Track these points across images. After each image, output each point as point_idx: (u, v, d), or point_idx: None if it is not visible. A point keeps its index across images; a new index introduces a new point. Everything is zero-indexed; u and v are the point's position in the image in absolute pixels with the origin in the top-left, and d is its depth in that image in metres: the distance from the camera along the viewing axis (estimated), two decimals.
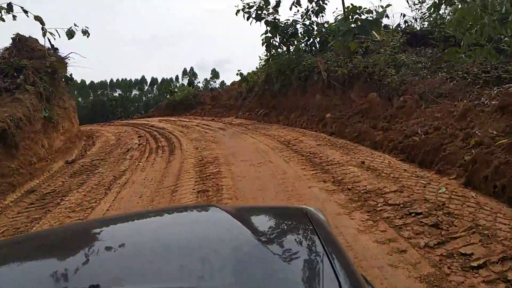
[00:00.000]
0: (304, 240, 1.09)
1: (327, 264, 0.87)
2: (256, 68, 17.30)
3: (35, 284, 0.87)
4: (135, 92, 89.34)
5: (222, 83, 73.62)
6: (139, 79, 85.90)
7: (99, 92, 77.30)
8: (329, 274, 0.82)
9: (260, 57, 17.23)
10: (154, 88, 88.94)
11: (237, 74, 18.92)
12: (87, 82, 76.76)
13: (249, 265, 0.88)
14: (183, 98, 22.49)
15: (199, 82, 70.81)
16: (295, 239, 1.12)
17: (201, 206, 1.81)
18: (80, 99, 68.29)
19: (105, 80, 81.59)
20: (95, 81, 79.47)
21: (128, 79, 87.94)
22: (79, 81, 74.58)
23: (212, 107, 19.20)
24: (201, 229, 1.20)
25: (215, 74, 72.06)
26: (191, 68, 75.26)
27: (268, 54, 14.31)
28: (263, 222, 1.31)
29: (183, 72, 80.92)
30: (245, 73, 17.70)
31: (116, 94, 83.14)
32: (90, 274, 0.87)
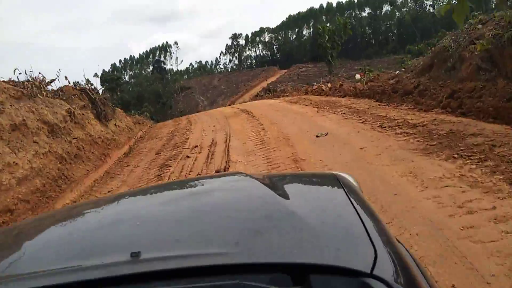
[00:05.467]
0: (336, 206, 1.05)
1: (361, 228, 0.83)
2: None
3: (75, 254, 0.88)
4: (386, 8, 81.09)
5: None
6: None
7: (346, 14, 74.33)
8: (363, 239, 0.79)
9: None
10: (409, 1, 76.56)
11: None
12: (334, 4, 75.15)
13: (282, 232, 0.85)
14: None
15: None
16: (327, 205, 1.08)
17: (230, 174, 1.87)
18: (328, 24, 67.67)
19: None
20: (343, 1, 76.56)
21: None
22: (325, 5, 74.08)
23: None
24: (233, 196, 1.20)
25: None
26: None
27: None
28: (294, 189, 1.28)
29: None
30: None
31: (365, 14, 78.03)
32: (130, 242, 0.88)
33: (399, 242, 1.00)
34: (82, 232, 1.04)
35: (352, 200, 1.00)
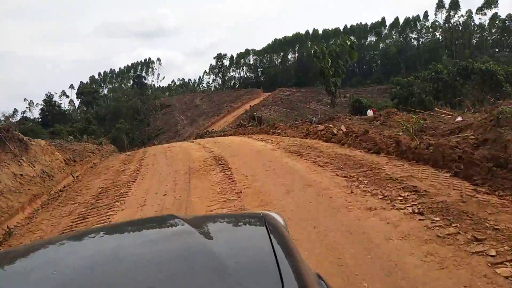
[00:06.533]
0: (255, 245, 1.09)
1: (274, 267, 0.88)
2: None
3: None
4: (370, 38, 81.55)
5: None
6: (375, 22, 76.10)
7: (331, 42, 73.75)
8: (274, 277, 0.83)
9: None
10: (393, 33, 76.82)
11: None
12: (320, 31, 74.51)
13: (197, 274, 0.89)
14: None
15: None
16: (247, 245, 1.13)
17: (162, 218, 1.86)
18: (312, 51, 66.34)
19: (338, 27, 77.04)
20: (329, 29, 76.11)
21: (363, 24, 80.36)
22: (311, 31, 73.25)
23: None
24: (156, 241, 1.20)
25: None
26: None
27: None
28: (220, 230, 1.32)
29: (437, 3, 62.03)
30: None
31: (349, 43, 77.36)
32: None
33: (320, 279, 1.11)
34: None
35: (272, 239, 1.04)
